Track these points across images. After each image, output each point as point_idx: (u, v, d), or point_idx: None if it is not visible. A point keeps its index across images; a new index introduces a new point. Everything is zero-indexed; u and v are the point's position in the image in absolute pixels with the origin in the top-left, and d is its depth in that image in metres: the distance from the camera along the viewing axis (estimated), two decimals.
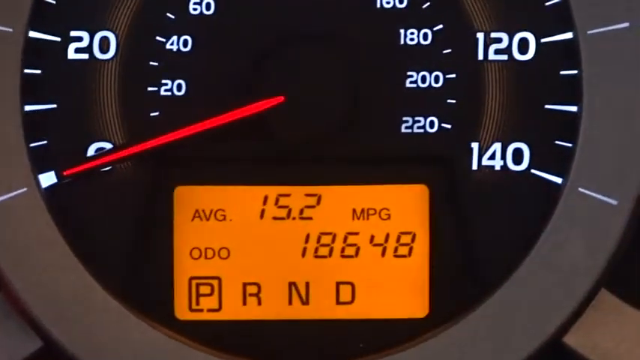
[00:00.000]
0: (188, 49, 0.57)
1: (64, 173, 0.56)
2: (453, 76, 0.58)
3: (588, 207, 0.57)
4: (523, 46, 0.58)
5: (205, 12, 0.57)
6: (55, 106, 0.57)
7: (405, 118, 0.58)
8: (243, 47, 0.57)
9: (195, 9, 0.57)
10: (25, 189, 0.56)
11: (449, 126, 0.58)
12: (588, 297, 0.57)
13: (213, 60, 0.57)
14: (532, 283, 0.57)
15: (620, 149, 0.57)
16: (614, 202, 0.57)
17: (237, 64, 0.57)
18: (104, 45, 0.57)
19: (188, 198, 0.58)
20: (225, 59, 0.57)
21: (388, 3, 0.57)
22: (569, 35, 0.57)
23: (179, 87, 0.57)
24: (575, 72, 0.57)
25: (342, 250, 0.58)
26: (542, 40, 0.57)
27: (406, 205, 0.58)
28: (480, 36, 0.58)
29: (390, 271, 0.58)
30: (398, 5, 0.57)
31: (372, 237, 0.58)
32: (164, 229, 0.58)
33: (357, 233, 0.58)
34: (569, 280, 0.57)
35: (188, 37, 0.57)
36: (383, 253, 0.58)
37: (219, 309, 0.58)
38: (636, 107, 0.57)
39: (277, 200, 0.58)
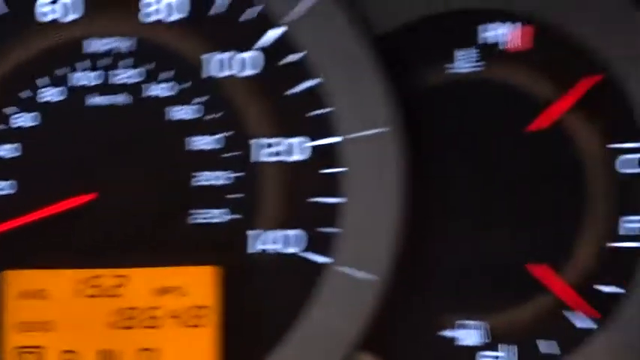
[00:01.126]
0: (13, 156, 0.68)
1: None
2: (233, 175, 0.67)
3: (348, 282, 0.66)
4: (293, 149, 0.67)
5: (25, 124, 0.68)
6: None
7: (194, 211, 0.67)
8: (61, 155, 0.67)
9: (16, 121, 0.68)
10: None
11: (232, 217, 0.67)
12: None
13: (35, 164, 0.67)
14: (302, 345, 0.66)
15: (375, 234, 0.66)
16: (371, 278, 0.66)
17: (56, 168, 0.67)
18: None
19: (15, 280, 0.67)
20: (46, 165, 0.67)
21: (174, 117, 0.67)
22: (333, 139, 0.67)
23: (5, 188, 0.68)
24: (338, 170, 0.67)
25: (146, 321, 0.67)
26: (309, 144, 0.67)
27: (199, 283, 0.67)
28: (255, 142, 0.67)
29: (187, 339, 0.67)
30: (185, 117, 0.67)
31: (172, 311, 0.67)
32: None
33: (158, 307, 0.67)
34: (332, 344, 0.67)
35: (12, 147, 0.68)
36: (181, 325, 0.67)
37: None
38: (387, 199, 0.66)
39: (91, 281, 0.67)
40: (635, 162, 0.68)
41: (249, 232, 0.68)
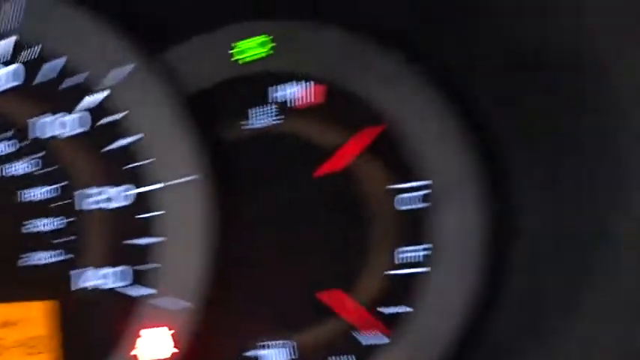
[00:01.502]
0: None
1: None
2: (63, 222, 0.76)
3: (168, 311, 0.76)
4: (118, 196, 0.76)
5: None
6: None
7: (27, 254, 0.76)
8: None
9: None
10: None
11: (61, 258, 0.76)
12: None
13: None
14: None
15: (190, 267, 0.76)
16: (187, 306, 0.76)
17: None
18: None
19: None
20: None
21: (9, 172, 0.76)
22: (152, 187, 0.76)
23: None
24: (157, 213, 0.76)
25: None
26: (132, 192, 0.76)
27: (36, 316, 0.76)
28: (82, 192, 0.76)
29: None
30: (18, 172, 0.76)
31: (15, 341, 0.76)
32: None
33: (2, 339, 0.76)
34: None
35: None
36: (23, 353, 0.76)
37: None
38: (199, 237, 0.76)
39: None
40: (409, 200, 0.79)
41: (77, 271, 0.76)
